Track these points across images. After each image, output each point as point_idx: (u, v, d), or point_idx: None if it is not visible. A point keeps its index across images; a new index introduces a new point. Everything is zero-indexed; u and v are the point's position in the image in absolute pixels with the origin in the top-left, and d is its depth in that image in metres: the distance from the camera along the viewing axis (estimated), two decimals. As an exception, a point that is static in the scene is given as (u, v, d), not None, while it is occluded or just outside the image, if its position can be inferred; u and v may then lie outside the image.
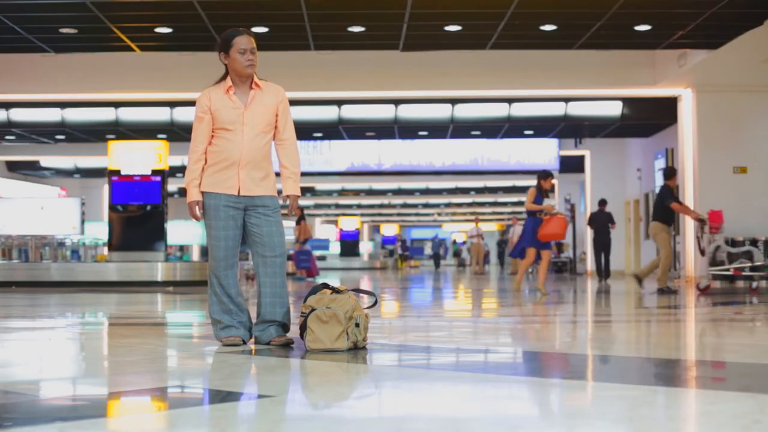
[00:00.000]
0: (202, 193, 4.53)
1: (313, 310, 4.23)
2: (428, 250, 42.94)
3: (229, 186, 4.51)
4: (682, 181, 14.53)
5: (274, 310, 4.51)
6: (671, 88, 14.24)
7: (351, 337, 4.20)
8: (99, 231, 18.12)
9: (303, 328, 4.26)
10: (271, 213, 4.57)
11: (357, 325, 4.24)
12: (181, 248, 23.73)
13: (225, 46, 4.51)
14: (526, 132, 19.91)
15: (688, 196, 14.23)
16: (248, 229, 4.55)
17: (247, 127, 4.52)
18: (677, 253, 14.96)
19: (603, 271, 16.68)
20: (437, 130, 19.24)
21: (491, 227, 51.85)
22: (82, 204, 15.21)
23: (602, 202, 17.31)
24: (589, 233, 21.39)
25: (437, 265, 36.64)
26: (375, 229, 57.51)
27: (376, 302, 5.31)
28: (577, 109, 16.90)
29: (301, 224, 18.17)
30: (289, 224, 25.09)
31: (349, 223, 37.07)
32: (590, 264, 21.79)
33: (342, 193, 33.47)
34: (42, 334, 5.81)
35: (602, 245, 16.87)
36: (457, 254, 44.62)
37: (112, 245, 14.88)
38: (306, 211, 43.69)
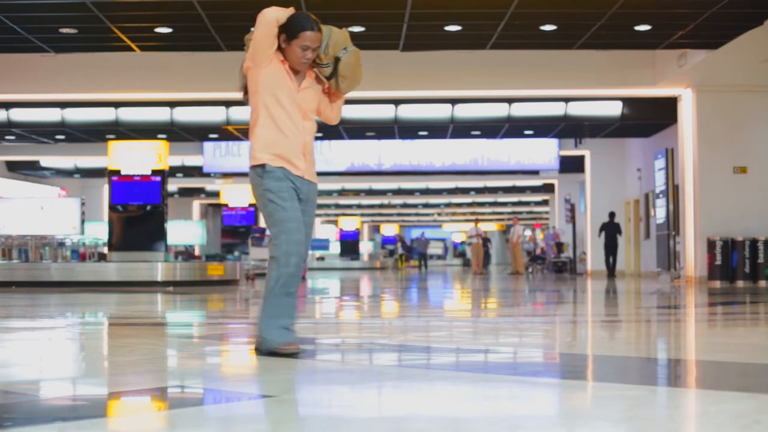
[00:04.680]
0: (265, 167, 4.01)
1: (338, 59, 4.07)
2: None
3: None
4: (682, 181, 14.53)
5: None
6: (671, 88, 14.24)
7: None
8: (99, 231, 18.12)
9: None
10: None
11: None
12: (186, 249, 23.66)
13: (290, 34, 4.00)
14: (526, 132, 19.92)
15: (688, 196, 14.24)
16: None
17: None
18: (677, 253, 14.96)
19: (610, 272, 19.31)
20: (437, 130, 19.25)
21: (491, 227, 51.84)
22: (82, 204, 15.20)
23: (612, 215, 19.79)
24: (590, 237, 21.51)
25: (424, 265, 34.72)
26: (375, 229, 57.49)
27: None
28: (577, 109, 16.90)
29: None
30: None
31: (349, 223, 37.06)
32: (590, 264, 21.80)
33: (342, 193, 33.48)
34: (42, 334, 5.81)
35: (611, 250, 19.52)
36: (462, 254, 44.57)
37: (112, 245, 14.88)
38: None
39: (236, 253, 22.37)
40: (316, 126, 4.17)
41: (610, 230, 19.59)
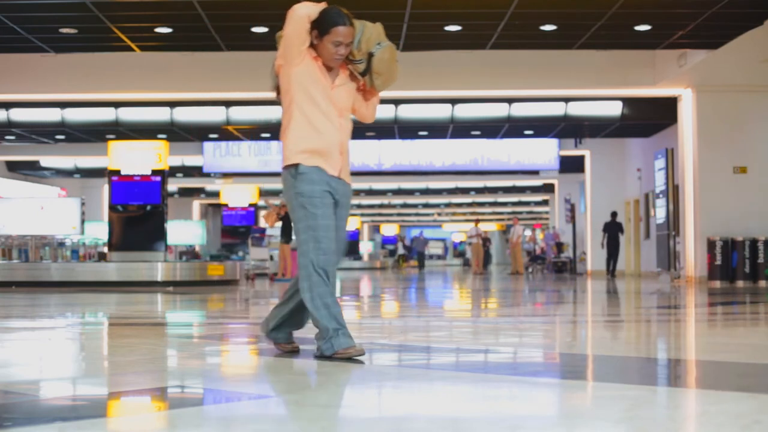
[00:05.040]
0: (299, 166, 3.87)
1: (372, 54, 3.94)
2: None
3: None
4: (682, 181, 14.53)
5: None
6: (671, 88, 14.24)
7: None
8: (99, 231, 18.12)
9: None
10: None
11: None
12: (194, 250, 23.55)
13: (321, 30, 3.86)
14: (526, 132, 19.92)
15: (688, 196, 14.24)
16: None
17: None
18: (677, 253, 14.96)
19: (609, 270, 19.44)
20: (437, 130, 19.24)
21: (491, 227, 51.84)
22: (82, 204, 15.20)
23: (614, 214, 19.95)
24: (590, 236, 21.50)
25: (421, 265, 34.48)
26: (375, 229, 57.50)
27: None
28: (577, 109, 16.90)
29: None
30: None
31: (350, 223, 36.99)
32: (590, 264, 21.80)
33: (342, 193, 33.39)
34: (42, 334, 5.81)
35: (614, 249, 19.64)
36: (461, 254, 44.48)
37: (112, 245, 14.88)
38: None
39: (240, 254, 22.37)
40: (352, 125, 4.06)
41: (612, 230, 19.66)
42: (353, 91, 4.03)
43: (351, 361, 3.74)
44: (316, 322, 3.85)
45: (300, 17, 3.81)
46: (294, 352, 4.16)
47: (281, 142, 3.94)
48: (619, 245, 19.73)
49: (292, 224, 3.91)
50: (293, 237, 17.95)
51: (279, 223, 17.28)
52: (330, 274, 3.80)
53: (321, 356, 3.83)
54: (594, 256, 21.69)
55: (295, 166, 3.83)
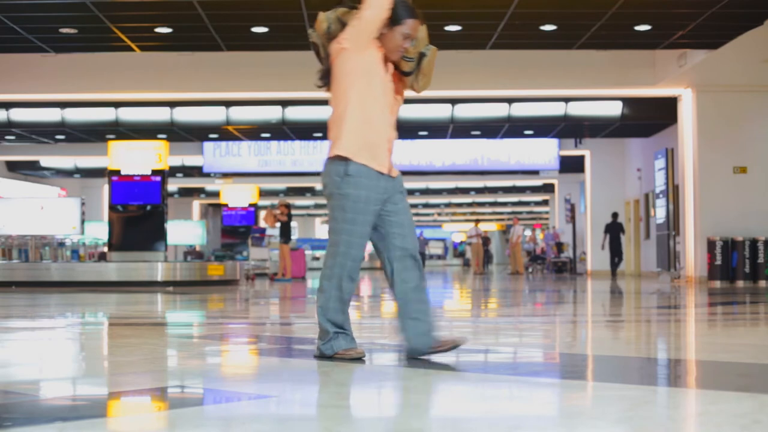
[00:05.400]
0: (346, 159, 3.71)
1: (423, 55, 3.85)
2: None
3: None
4: (682, 181, 14.53)
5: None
6: (671, 88, 14.25)
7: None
8: (99, 231, 18.13)
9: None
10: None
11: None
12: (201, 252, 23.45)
13: (394, 19, 3.72)
14: (526, 132, 19.92)
15: (688, 196, 14.24)
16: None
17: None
18: (677, 253, 14.96)
19: (613, 270, 19.54)
20: (437, 130, 19.24)
21: (491, 227, 51.85)
22: (82, 204, 15.21)
23: (615, 215, 19.99)
24: (590, 236, 21.53)
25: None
26: (375, 229, 57.40)
27: None
28: (577, 109, 16.91)
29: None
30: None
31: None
32: (590, 264, 21.80)
33: (342, 192, 33.40)
34: (42, 334, 5.81)
35: (616, 249, 19.70)
36: (461, 254, 44.45)
37: (112, 245, 14.88)
38: (306, 211, 43.75)
39: (245, 254, 22.37)
40: None
41: (614, 231, 19.66)
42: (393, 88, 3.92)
43: (351, 361, 3.74)
44: (320, 322, 3.80)
45: (385, 1, 3.67)
46: (455, 346, 3.87)
47: (331, 129, 3.79)
48: (621, 245, 19.71)
49: (329, 218, 3.80)
50: (292, 237, 18.00)
51: (278, 224, 17.32)
52: (353, 280, 3.72)
53: (321, 356, 3.81)
54: (594, 256, 21.69)
55: (345, 161, 3.67)
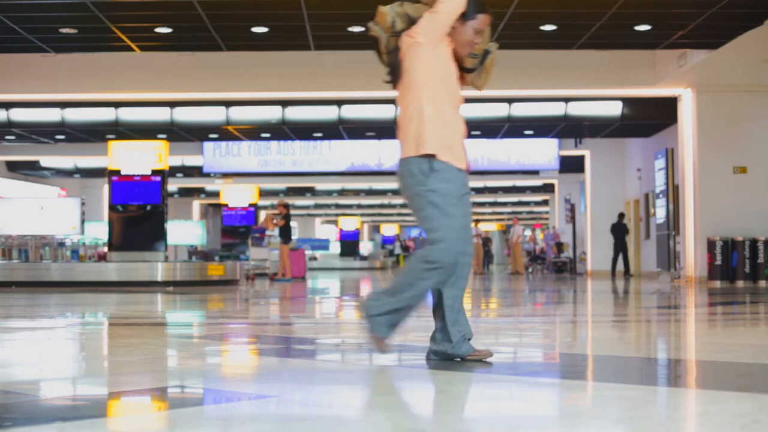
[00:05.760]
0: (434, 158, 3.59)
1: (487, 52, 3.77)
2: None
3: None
4: (682, 181, 14.53)
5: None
6: (671, 88, 14.24)
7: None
8: (99, 231, 18.12)
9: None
10: None
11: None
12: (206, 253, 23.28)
13: (468, 13, 3.68)
14: (526, 132, 19.91)
15: (688, 196, 14.24)
16: None
17: None
18: (677, 253, 14.96)
19: (624, 270, 19.36)
20: (437, 130, 19.20)
21: (491, 227, 51.85)
22: (82, 204, 15.20)
23: (621, 215, 19.88)
24: (590, 236, 21.52)
25: None
26: (375, 229, 57.51)
27: None
28: (577, 109, 16.90)
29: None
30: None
31: (349, 223, 37.04)
32: (590, 264, 21.80)
33: (342, 193, 33.48)
34: (42, 334, 5.81)
35: (621, 249, 19.56)
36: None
37: (112, 245, 14.88)
38: (306, 211, 43.76)
39: (247, 254, 22.35)
40: None
41: (617, 231, 19.57)
42: None
43: (341, 361, 3.73)
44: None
45: None
46: (487, 359, 3.76)
47: (404, 128, 3.66)
48: (624, 246, 19.60)
49: (421, 219, 3.62)
50: (292, 238, 18.00)
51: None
52: (454, 273, 3.61)
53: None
54: (594, 256, 21.69)
55: (429, 158, 3.56)
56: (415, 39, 3.61)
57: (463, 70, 3.79)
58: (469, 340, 3.71)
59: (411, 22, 3.66)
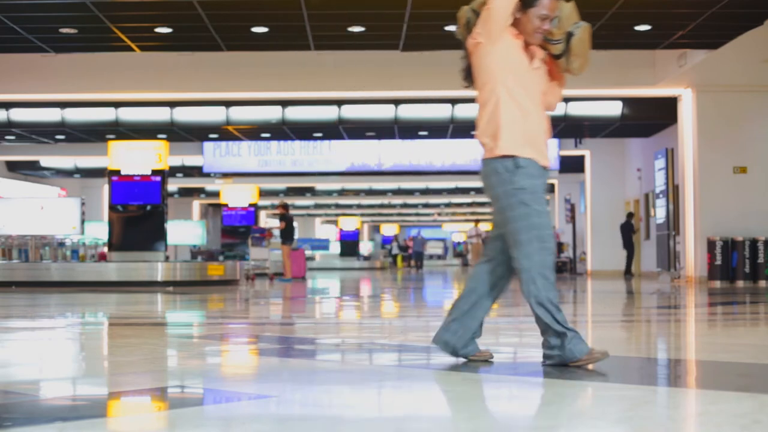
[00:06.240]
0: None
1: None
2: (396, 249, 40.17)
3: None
4: (682, 181, 14.53)
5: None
6: (671, 88, 14.24)
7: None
8: (99, 231, 18.12)
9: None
10: None
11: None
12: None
13: (527, 1, 3.53)
14: (526, 132, 19.88)
15: (688, 196, 14.23)
16: None
17: None
18: (677, 253, 14.96)
19: (625, 270, 19.26)
20: (437, 130, 19.24)
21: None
22: (82, 204, 15.20)
23: (630, 215, 19.92)
24: (590, 236, 21.52)
25: (419, 266, 33.50)
26: (375, 229, 57.53)
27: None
28: (577, 109, 16.90)
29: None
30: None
31: (349, 223, 37.04)
32: (590, 264, 21.79)
33: (342, 193, 33.48)
34: (42, 334, 5.81)
35: (628, 248, 19.50)
36: (460, 254, 44.41)
37: (112, 245, 14.88)
38: (306, 211, 43.77)
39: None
40: None
41: (627, 230, 19.50)
42: (546, 75, 3.70)
43: (341, 360, 3.73)
44: (546, 328, 3.49)
45: None
46: (490, 359, 3.75)
47: (483, 129, 3.56)
48: (631, 246, 19.51)
49: (509, 219, 3.51)
50: (294, 238, 18.02)
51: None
52: (552, 274, 3.52)
53: (557, 364, 3.51)
54: (594, 256, 21.68)
55: (512, 158, 3.47)
56: (476, 39, 3.58)
57: (553, 57, 3.67)
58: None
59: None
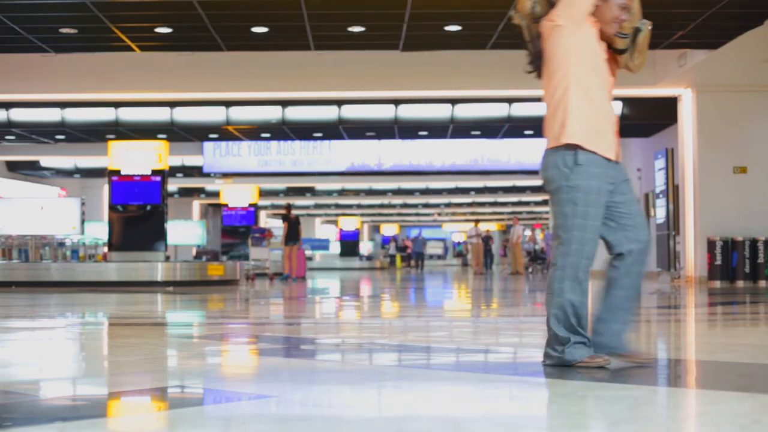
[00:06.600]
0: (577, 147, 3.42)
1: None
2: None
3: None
4: (682, 181, 14.53)
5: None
6: (671, 87, 14.24)
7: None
8: (99, 231, 18.13)
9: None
10: None
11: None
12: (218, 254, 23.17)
13: None
14: (526, 132, 19.91)
15: (688, 196, 14.23)
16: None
17: None
18: (677, 253, 14.96)
19: None
20: (437, 130, 19.24)
21: (491, 227, 51.87)
22: (82, 204, 15.20)
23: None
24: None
25: (419, 266, 33.53)
26: (375, 229, 57.53)
27: None
28: (577, 109, 16.87)
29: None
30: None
31: (349, 223, 37.04)
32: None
33: (342, 193, 33.49)
34: (42, 334, 5.81)
35: None
36: (460, 254, 44.39)
37: (112, 245, 14.88)
38: (306, 211, 43.77)
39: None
40: None
41: None
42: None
43: (341, 360, 3.73)
44: (554, 327, 3.47)
45: None
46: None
47: (550, 117, 3.48)
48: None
49: (556, 214, 3.48)
50: (298, 239, 18.04)
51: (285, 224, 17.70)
52: (587, 278, 3.47)
53: (557, 365, 3.50)
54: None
55: (574, 149, 3.40)
56: (556, 22, 3.45)
57: (615, 52, 3.59)
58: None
59: (550, 5, 3.49)
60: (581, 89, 3.42)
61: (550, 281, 3.50)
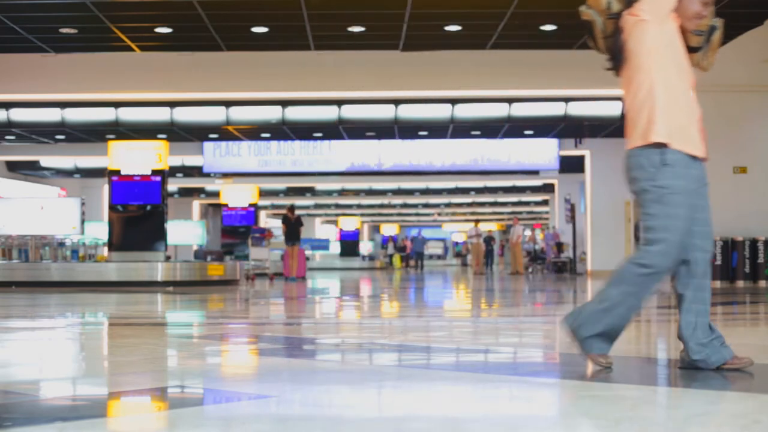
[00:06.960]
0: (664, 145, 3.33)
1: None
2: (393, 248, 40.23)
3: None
4: (682, 181, 14.53)
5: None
6: (671, 88, 14.22)
7: None
8: (99, 231, 18.12)
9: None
10: None
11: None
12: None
13: None
14: (526, 132, 19.91)
15: (688, 196, 14.23)
16: None
17: None
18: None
19: None
20: (437, 130, 19.25)
21: (491, 227, 51.87)
22: (82, 204, 15.20)
23: None
24: (590, 236, 21.54)
25: (419, 266, 33.51)
26: (375, 229, 57.53)
27: None
28: (577, 109, 16.89)
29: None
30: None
31: (349, 223, 37.03)
32: (590, 264, 21.80)
33: (342, 193, 33.48)
34: (42, 334, 5.81)
35: None
36: (460, 254, 44.37)
37: (112, 245, 14.88)
38: (306, 211, 43.77)
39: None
40: None
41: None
42: None
43: (341, 360, 3.73)
44: (586, 310, 3.48)
45: None
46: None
47: (635, 115, 3.40)
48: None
49: (644, 218, 3.45)
50: (298, 239, 18.06)
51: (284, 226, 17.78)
52: (662, 279, 3.44)
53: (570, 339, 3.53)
54: (594, 256, 21.69)
55: (660, 148, 3.33)
56: (640, 17, 3.36)
57: (688, 50, 3.50)
58: (721, 344, 3.57)
59: (627, 1, 3.43)
60: (666, 87, 3.35)
61: (623, 268, 3.44)
